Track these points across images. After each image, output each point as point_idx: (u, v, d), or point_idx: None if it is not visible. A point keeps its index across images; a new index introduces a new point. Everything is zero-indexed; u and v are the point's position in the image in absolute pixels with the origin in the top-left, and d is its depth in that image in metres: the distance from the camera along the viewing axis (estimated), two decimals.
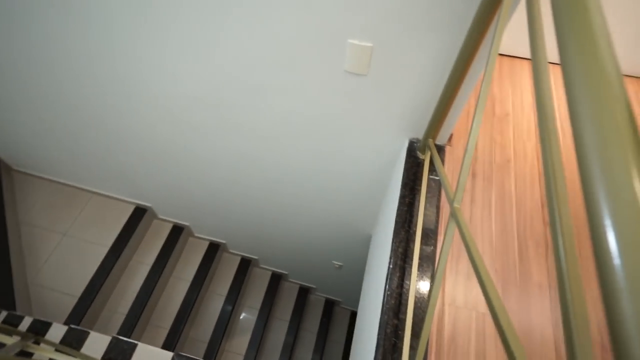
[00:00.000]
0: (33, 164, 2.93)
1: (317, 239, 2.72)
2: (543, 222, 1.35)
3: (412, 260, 1.20)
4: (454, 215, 0.80)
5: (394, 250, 1.26)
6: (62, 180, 3.05)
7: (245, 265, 3.49)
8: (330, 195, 2.12)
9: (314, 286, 3.80)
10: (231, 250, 3.49)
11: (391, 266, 1.21)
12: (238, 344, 3.30)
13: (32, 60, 1.75)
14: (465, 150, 0.83)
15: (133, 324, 2.74)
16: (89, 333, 1.55)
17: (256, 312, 3.47)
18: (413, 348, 1.05)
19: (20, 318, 1.78)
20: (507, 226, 1.34)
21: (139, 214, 3.03)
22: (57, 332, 1.62)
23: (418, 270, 1.18)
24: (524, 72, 1.83)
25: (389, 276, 1.21)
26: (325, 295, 3.95)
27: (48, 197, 3.07)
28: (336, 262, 3.01)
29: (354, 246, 2.68)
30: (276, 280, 3.63)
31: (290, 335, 3.55)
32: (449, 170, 1.45)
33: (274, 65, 1.39)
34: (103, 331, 2.73)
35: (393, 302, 1.15)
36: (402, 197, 1.37)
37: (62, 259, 2.82)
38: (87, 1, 1.36)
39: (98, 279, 2.72)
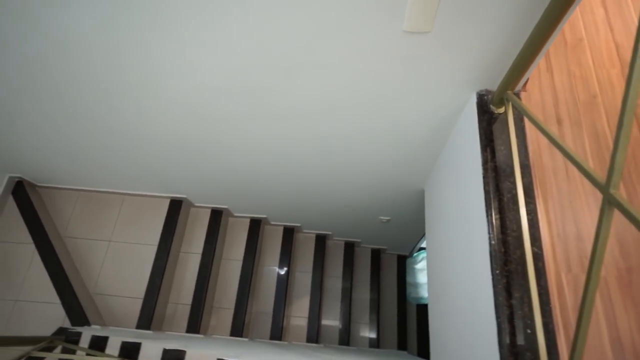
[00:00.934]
0: (55, 177, 2.83)
1: (363, 198, 2.65)
2: None
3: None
4: (616, 204, 0.68)
5: (490, 223, 1.15)
6: (89, 188, 2.97)
7: (289, 233, 3.48)
8: (380, 158, 1.99)
9: (359, 240, 3.82)
10: (273, 223, 3.46)
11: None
12: (299, 308, 3.42)
13: (54, 77, 1.56)
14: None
15: (199, 312, 2.81)
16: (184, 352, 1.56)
17: (309, 275, 3.53)
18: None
19: (105, 339, 1.80)
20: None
21: (176, 206, 2.97)
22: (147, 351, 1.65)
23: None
24: None
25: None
26: (371, 246, 3.98)
27: (81, 207, 3.01)
28: (383, 217, 2.96)
29: (402, 201, 2.60)
30: (321, 241, 3.65)
31: (346, 286, 3.65)
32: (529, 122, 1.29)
33: (312, 39, 1.19)
34: (174, 327, 2.83)
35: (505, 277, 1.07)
36: (485, 162, 1.24)
37: (115, 264, 2.84)
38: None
39: (155, 278, 2.75)
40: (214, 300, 3.07)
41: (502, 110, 1.30)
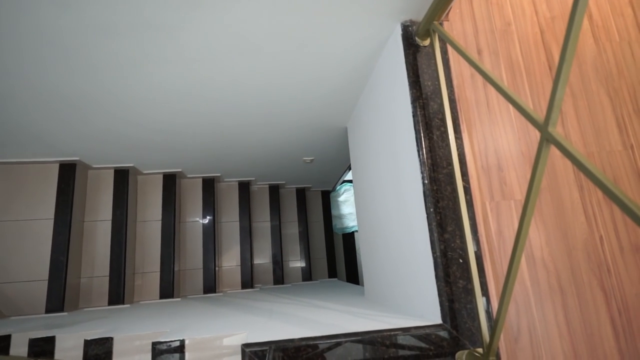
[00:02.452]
0: None
1: (285, 141, 2.53)
2: None
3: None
4: (555, 143, 0.68)
5: (422, 163, 1.15)
6: None
7: (209, 184, 3.27)
8: (301, 97, 1.85)
9: (283, 182, 3.77)
10: (189, 176, 3.19)
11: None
12: (230, 256, 3.36)
13: None
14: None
15: (120, 282, 2.58)
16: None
17: (237, 223, 3.44)
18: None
19: (7, 338, 1.54)
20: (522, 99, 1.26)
21: (68, 170, 2.52)
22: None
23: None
24: None
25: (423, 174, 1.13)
26: (295, 186, 3.97)
27: None
28: (307, 158, 2.91)
29: (325, 141, 2.55)
30: (245, 187, 3.51)
31: (275, 226, 3.66)
32: (453, 52, 1.26)
33: None
34: (93, 302, 2.57)
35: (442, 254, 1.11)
36: (415, 99, 1.19)
37: (6, 247, 2.38)
38: None
39: (58, 255, 2.39)
40: (134, 266, 2.83)
41: (427, 42, 1.24)
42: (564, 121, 1.27)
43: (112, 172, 2.76)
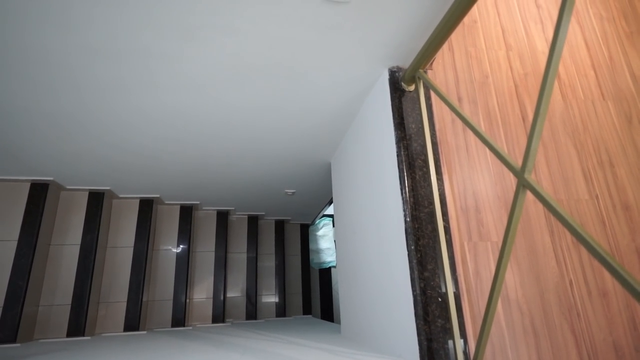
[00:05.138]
0: None
1: (269, 173, 2.55)
2: (526, 136, 1.38)
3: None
4: (530, 188, 0.73)
5: (405, 201, 1.19)
6: None
7: (187, 212, 3.20)
8: (288, 130, 1.89)
9: (263, 213, 3.74)
10: (167, 202, 3.13)
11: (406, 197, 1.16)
12: (203, 288, 3.24)
13: None
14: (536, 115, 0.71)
15: (83, 312, 2.43)
16: None
17: (212, 253, 3.35)
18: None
19: None
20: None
21: (40, 191, 2.43)
22: None
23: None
24: None
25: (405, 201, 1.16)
26: (274, 218, 3.95)
27: None
28: (289, 190, 2.92)
29: (308, 174, 2.58)
30: (223, 217, 3.46)
31: (251, 259, 3.58)
32: (436, 99, 1.35)
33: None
34: (50, 333, 2.39)
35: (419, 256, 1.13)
36: (399, 140, 1.25)
37: None
38: None
39: (17, 279, 2.24)
40: (100, 294, 2.68)
41: (412, 87, 1.32)
42: (536, 169, 1.35)
43: (86, 194, 2.67)
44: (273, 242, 3.93)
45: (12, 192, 2.40)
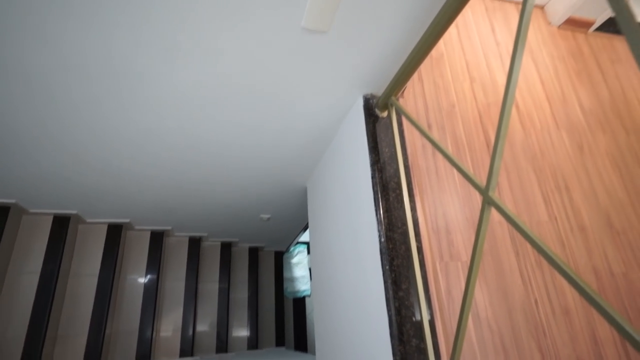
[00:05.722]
0: None
1: (244, 197, 2.54)
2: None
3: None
4: (495, 205, 0.78)
5: (380, 222, 1.23)
6: None
7: (157, 238, 3.11)
8: (265, 154, 1.92)
9: (236, 239, 3.68)
10: (137, 227, 3.03)
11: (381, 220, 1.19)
12: (171, 319, 3.09)
13: None
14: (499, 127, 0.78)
15: (38, 346, 2.26)
16: None
17: (182, 282, 3.23)
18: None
19: None
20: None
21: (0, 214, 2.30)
22: None
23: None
24: None
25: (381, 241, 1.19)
26: (248, 245, 3.89)
27: None
28: (264, 215, 2.91)
29: (284, 199, 2.60)
30: (195, 243, 3.37)
31: (223, 288, 3.47)
32: (407, 124, 1.42)
33: (203, 21, 1.06)
34: None
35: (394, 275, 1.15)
36: (374, 163, 1.30)
37: None
38: None
39: None
40: (58, 327, 2.51)
41: (385, 114, 1.39)
42: (500, 192, 1.43)
43: (50, 218, 2.55)
44: (246, 271, 3.85)
45: (35, 226, 2.27)
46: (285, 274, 4.11)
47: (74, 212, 2.57)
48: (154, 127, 1.58)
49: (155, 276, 3.00)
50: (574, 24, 1.95)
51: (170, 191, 2.33)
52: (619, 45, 1.98)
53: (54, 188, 2.16)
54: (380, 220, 1.21)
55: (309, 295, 3.96)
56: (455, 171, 1.40)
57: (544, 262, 1.34)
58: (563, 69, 1.79)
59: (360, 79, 1.35)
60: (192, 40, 1.11)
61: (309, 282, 3.82)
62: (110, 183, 2.14)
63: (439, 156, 1.42)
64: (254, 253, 3.93)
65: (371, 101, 1.42)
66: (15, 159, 1.78)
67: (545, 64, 1.77)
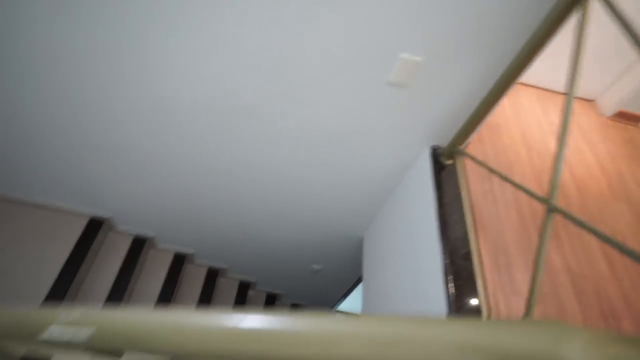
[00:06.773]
0: None
1: (298, 243, 2.71)
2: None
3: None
4: (557, 210, 0.92)
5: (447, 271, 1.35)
6: None
7: (212, 275, 3.28)
8: (325, 201, 2.14)
9: (282, 291, 3.75)
10: (197, 262, 3.25)
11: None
12: None
13: None
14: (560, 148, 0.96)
15: None
16: None
17: None
18: None
19: None
20: (524, 219, 1.53)
21: (94, 227, 2.66)
22: None
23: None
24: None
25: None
26: (290, 301, 3.92)
27: None
28: (316, 266, 3.02)
29: (338, 249, 2.73)
30: (243, 289, 3.49)
31: None
32: (471, 169, 1.60)
33: (319, 63, 1.38)
34: None
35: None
36: (441, 214, 1.46)
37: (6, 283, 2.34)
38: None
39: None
40: None
41: (450, 162, 1.60)
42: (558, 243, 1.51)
43: (131, 238, 2.87)
44: None
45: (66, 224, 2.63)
46: None
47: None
48: (248, 161, 1.89)
49: None
50: (624, 117, 2.13)
51: (233, 228, 2.56)
52: None
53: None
54: (447, 267, 1.32)
55: None
56: (512, 208, 1.52)
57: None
58: (616, 151, 1.93)
59: (430, 131, 1.59)
60: (292, 90, 1.44)
61: None
62: (187, 209, 2.43)
63: (501, 203, 1.56)
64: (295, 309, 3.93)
65: (437, 151, 1.64)
66: (114, 178, 2.16)
67: (598, 148, 1.93)
